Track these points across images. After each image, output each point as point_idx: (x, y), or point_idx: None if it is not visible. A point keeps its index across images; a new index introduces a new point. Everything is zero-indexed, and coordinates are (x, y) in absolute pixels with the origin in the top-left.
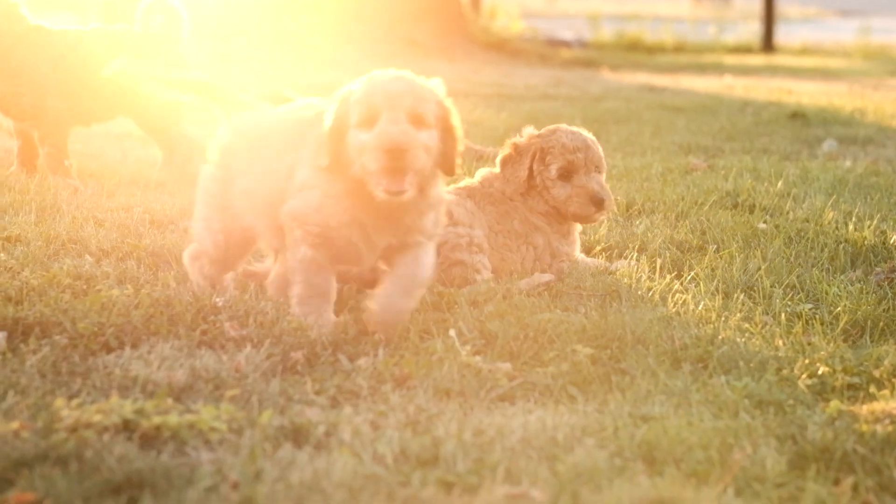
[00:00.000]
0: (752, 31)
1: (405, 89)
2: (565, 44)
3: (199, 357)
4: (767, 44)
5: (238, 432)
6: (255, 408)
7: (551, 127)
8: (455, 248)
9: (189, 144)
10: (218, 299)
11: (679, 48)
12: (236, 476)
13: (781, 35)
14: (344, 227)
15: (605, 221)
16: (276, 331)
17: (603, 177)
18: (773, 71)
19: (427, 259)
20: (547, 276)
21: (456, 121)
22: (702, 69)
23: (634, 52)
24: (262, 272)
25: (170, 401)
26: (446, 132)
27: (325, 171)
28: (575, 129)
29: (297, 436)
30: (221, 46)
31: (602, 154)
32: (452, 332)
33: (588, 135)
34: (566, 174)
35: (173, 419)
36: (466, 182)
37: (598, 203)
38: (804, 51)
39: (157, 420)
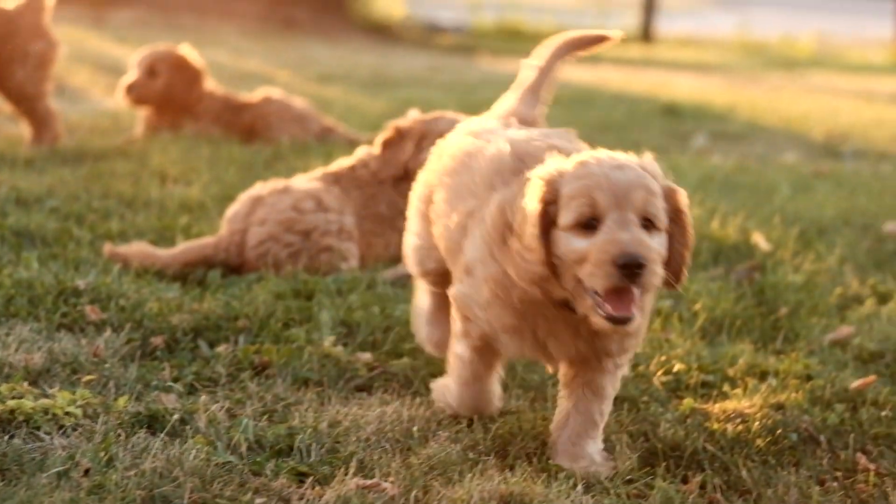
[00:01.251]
0: (632, 21)
1: (635, 181)
2: (446, 30)
3: (57, 340)
4: (646, 35)
5: (93, 418)
6: (111, 393)
7: (436, 112)
8: (325, 234)
9: (56, 119)
10: (80, 282)
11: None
12: (88, 462)
13: (661, 26)
14: (516, 334)
15: None
16: (138, 315)
17: None
18: (651, 63)
19: (611, 390)
20: None
21: (689, 215)
22: (580, 59)
23: (514, 39)
24: (131, 252)
25: (25, 384)
26: (678, 231)
27: (502, 259)
28: (459, 116)
29: (153, 422)
30: (93, 21)
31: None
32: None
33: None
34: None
35: (28, 403)
36: (336, 166)
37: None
38: (683, 43)
39: (11, 403)
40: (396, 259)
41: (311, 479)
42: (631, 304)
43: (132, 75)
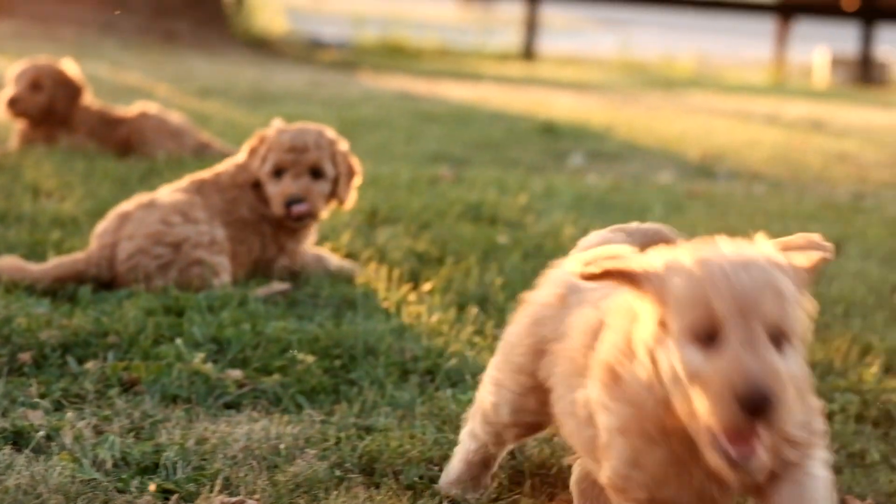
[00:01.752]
0: (514, 39)
1: (763, 285)
2: (328, 45)
3: None
4: (528, 52)
5: None
6: None
7: (298, 123)
8: (196, 247)
9: None
10: None
11: (442, 53)
12: None
13: (544, 44)
14: (678, 477)
15: (349, 229)
16: (6, 331)
17: (323, 184)
18: (532, 81)
19: (822, 486)
20: (284, 285)
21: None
22: (461, 77)
23: (397, 56)
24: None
25: None
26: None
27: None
28: (314, 128)
29: (18, 439)
30: None
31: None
32: (179, 341)
33: (329, 136)
34: (277, 172)
35: None
36: (200, 174)
37: (289, 206)
38: (565, 61)
39: None
40: (258, 263)
41: (176, 496)
42: (755, 443)
43: (14, 88)
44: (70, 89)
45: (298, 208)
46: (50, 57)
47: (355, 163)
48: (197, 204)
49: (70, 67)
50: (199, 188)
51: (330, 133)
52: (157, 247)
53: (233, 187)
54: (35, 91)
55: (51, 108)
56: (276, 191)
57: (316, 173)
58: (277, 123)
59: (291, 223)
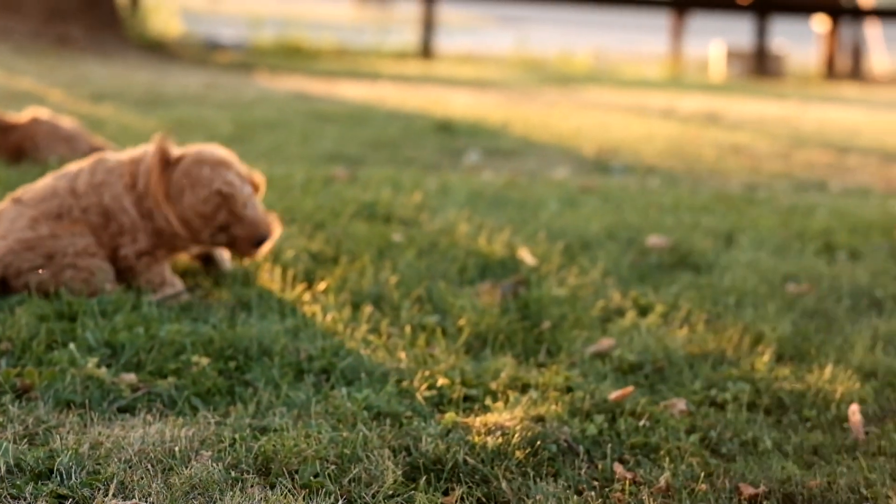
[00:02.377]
0: (412, 38)
1: None
2: (224, 46)
3: None
4: (426, 51)
5: None
6: None
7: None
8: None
9: None
10: None
11: (339, 53)
12: None
13: (441, 43)
14: None
15: None
16: None
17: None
18: (429, 79)
19: None
20: (178, 289)
21: None
22: (358, 76)
23: (294, 56)
24: None
25: None
26: None
27: None
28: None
29: None
30: None
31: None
32: (72, 346)
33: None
34: None
35: None
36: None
37: None
38: (463, 59)
39: None
40: None
41: (70, 501)
42: None
43: None
44: None
45: None
46: None
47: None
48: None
49: None
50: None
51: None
52: (27, 252)
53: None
54: None
55: None
56: None
57: None
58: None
59: None
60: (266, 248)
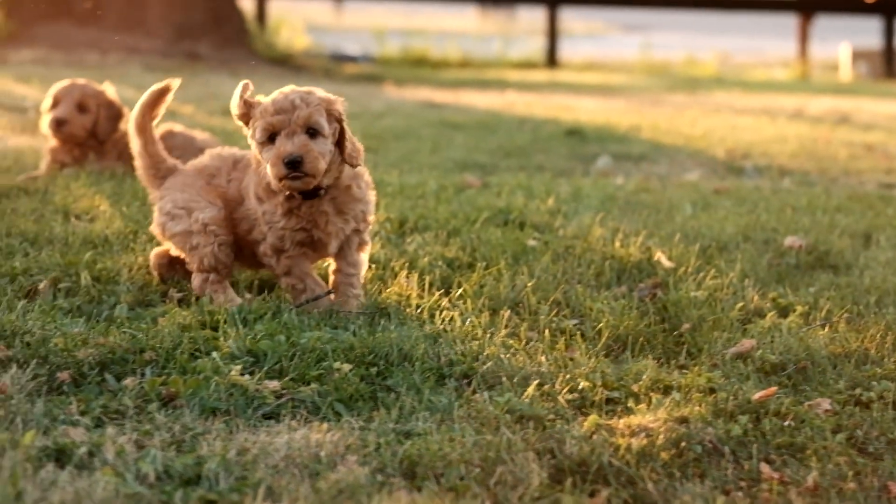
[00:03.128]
0: (536, 46)
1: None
2: (351, 59)
3: None
4: (551, 59)
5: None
6: (18, 429)
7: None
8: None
9: None
10: None
11: (464, 63)
12: None
13: (565, 51)
14: None
15: (379, 239)
16: (43, 351)
17: (326, 140)
18: (555, 87)
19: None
20: (323, 291)
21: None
22: (485, 85)
23: (420, 67)
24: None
25: None
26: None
27: None
28: (291, 90)
29: (61, 456)
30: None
31: (315, 115)
32: (215, 354)
33: (305, 96)
34: (270, 138)
35: None
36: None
37: (290, 163)
38: (587, 66)
39: None
40: None
41: None
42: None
43: (59, 110)
44: (112, 111)
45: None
46: (89, 80)
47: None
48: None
49: (110, 90)
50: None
51: (321, 92)
52: None
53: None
54: (81, 113)
55: (93, 131)
56: (274, 152)
57: (312, 132)
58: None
59: (291, 185)
60: None
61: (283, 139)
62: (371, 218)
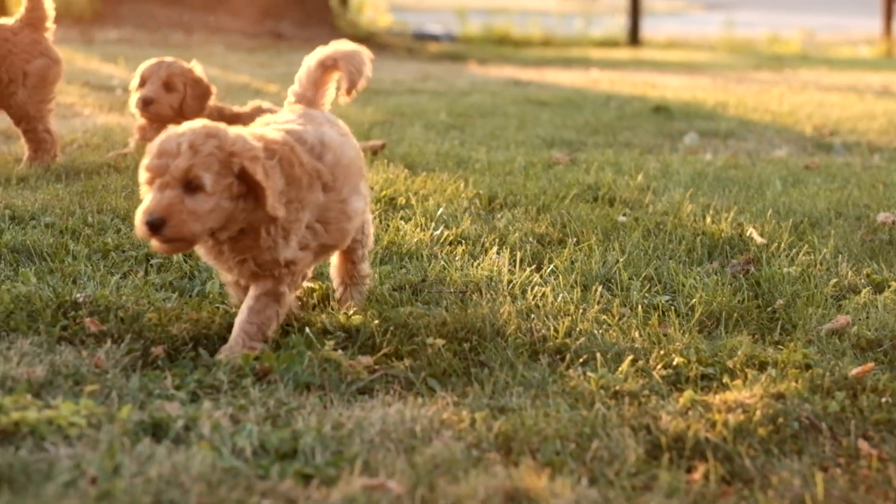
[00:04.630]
0: (618, 24)
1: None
2: (433, 38)
3: (59, 353)
4: (633, 37)
5: (97, 427)
6: (114, 403)
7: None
8: None
9: (54, 140)
10: (78, 295)
11: (546, 42)
12: (94, 471)
13: (648, 29)
14: None
15: (468, 215)
16: (137, 326)
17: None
18: (639, 65)
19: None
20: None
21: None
22: (568, 63)
23: (502, 45)
24: None
25: (29, 396)
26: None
27: None
28: (189, 130)
29: (157, 430)
30: (81, 40)
31: (197, 169)
32: (308, 330)
33: (199, 140)
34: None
35: (32, 415)
36: None
37: (150, 225)
38: (670, 44)
39: (15, 416)
40: None
41: (316, 480)
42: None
43: (147, 88)
44: (200, 91)
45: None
46: (177, 59)
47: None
48: None
49: (198, 69)
50: None
51: (231, 135)
52: None
53: None
54: (168, 91)
55: (180, 110)
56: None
57: (191, 187)
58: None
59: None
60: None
61: (153, 191)
62: (296, 269)
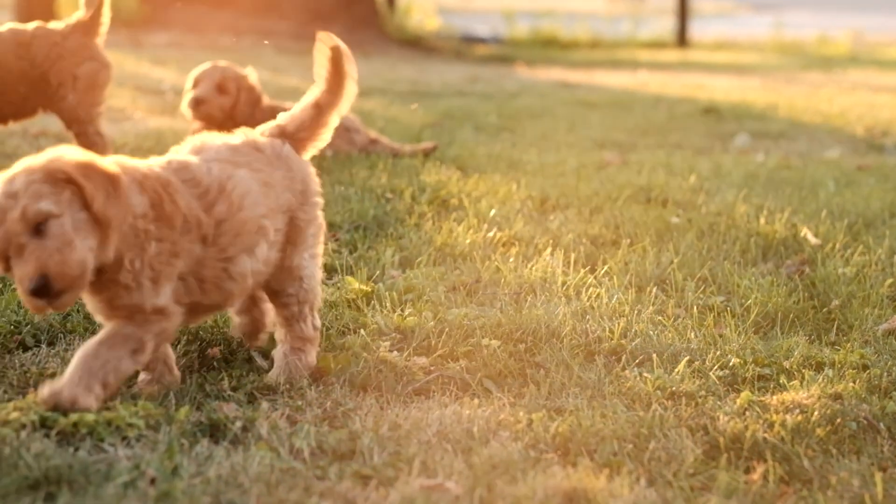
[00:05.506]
0: (666, 26)
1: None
2: (481, 40)
3: None
4: (681, 39)
5: (155, 428)
6: (172, 404)
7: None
8: None
9: (106, 143)
10: None
11: (594, 44)
12: (154, 471)
13: (695, 30)
14: None
15: (521, 216)
16: (193, 328)
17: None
18: (687, 66)
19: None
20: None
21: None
22: (616, 65)
23: (550, 48)
24: None
25: None
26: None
27: None
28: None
29: (214, 431)
30: (130, 44)
31: (31, 207)
32: (363, 332)
33: (10, 186)
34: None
35: (90, 416)
36: None
37: (37, 292)
38: (718, 46)
39: (74, 417)
40: None
41: (374, 481)
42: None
43: (198, 90)
44: (252, 96)
45: None
46: (230, 63)
47: None
48: None
49: (252, 76)
50: None
51: (40, 161)
52: None
53: None
54: (220, 94)
55: (231, 114)
56: None
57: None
58: None
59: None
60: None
61: (14, 261)
62: (165, 322)
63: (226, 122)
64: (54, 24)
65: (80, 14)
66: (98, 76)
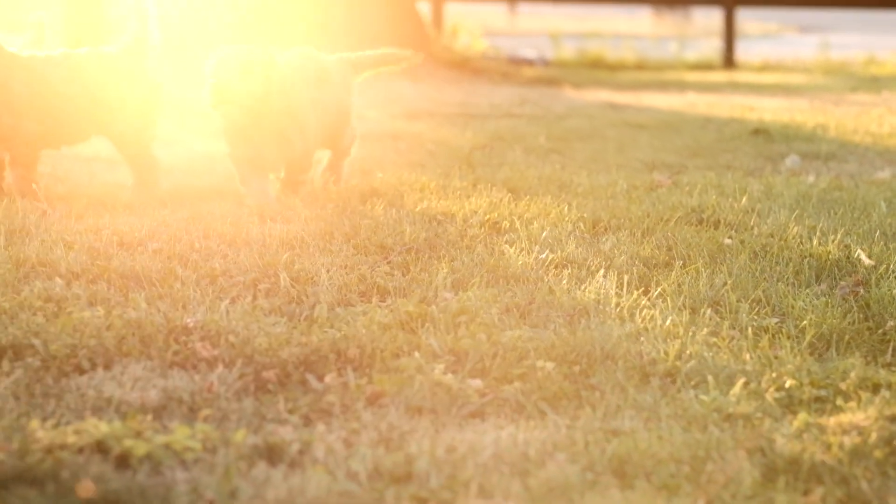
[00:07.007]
0: (712, 47)
1: None
2: (528, 62)
3: (171, 377)
4: (728, 60)
5: (212, 451)
6: (228, 427)
7: None
8: None
9: (158, 167)
10: (189, 320)
11: (640, 65)
12: (212, 495)
13: (742, 51)
14: None
15: (573, 238)
16: (248, 350)
17: None
18: (735, 87)
19: None
20: None
21: None
22: (663, 86)
23: (596, 69)
24: None
25: (145, 420)
26: None
27: None
28: None
29: (271, 454)
30: (186, 62)
31: None
32: (417, 354)
33: None
34: None
35: (147, 439)
36: None
37: None
38: (765, 67)
39: (129, 442)
40: None
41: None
42: None
43: None
44: None
45: None
46: None
47: None
48: None
49: None
50: None
51: None
52: None
53: None
54: None
55: None
56: None
57: None
58: None
59: None
60: None
61: None
62: None
63: None
64: (106, 48)
65: (129, 37)
66: (149, 99)
